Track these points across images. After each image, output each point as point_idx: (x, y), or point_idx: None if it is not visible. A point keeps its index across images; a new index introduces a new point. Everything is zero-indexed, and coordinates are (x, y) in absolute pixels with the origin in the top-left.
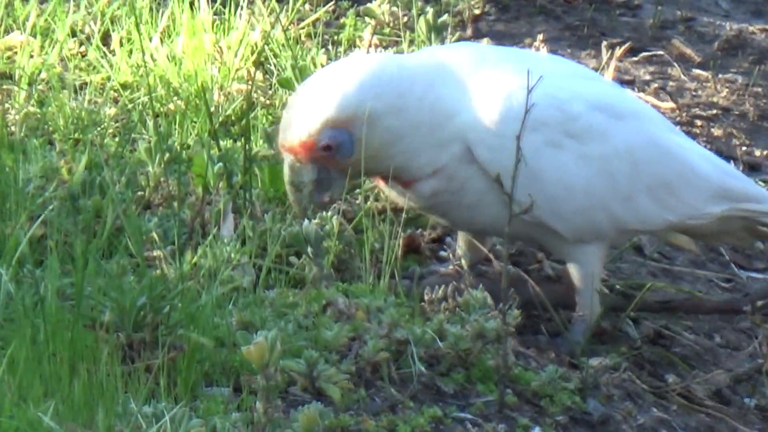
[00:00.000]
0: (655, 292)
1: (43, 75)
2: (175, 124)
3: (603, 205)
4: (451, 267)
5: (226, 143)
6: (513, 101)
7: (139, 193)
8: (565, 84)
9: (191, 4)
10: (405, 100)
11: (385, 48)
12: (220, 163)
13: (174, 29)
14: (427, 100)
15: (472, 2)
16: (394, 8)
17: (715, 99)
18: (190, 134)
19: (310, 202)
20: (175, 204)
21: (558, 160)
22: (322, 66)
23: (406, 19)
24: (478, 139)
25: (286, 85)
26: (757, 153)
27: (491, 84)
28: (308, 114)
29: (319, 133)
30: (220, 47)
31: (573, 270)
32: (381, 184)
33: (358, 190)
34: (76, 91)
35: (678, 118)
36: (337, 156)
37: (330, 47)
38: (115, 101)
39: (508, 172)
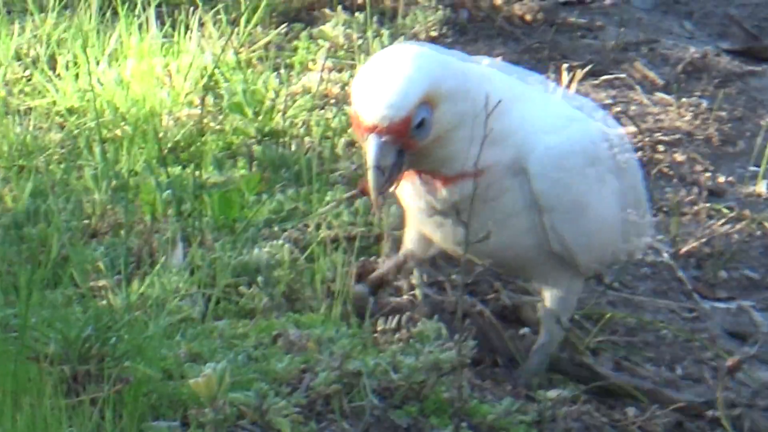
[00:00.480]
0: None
1: None
2: (122, 150)
3: (618, 238)
4: (405, 297)
5: (175, 170)
6: (575, 133)
7: (86, 221)
8: (603, 116)
9: (140, 27)
10: (469, 85)
11: (339, 71)
12: (169, 191)
13: (122, 52)
14: (483, 91)
15: (429, 24)
16: (349, 30)
17: (678, 123)
18: (138, 161)
19: (390, 186)
20: (123, 232)
21: (602, 195)
22: (275, 90)
23: (360, 41)
24: (539, 168)
25: (237, 109)
26: (721, 179)
27: (548, 107)
28: (405, 89)
29: (417, 108)
30: (169, 71)
31: (553, 297)
32: (411, 180)
33: (309, 216)
34: (20, 116)
35: (640, 143)
36: (421, 135)
37: (282, 70)
38: (61, 126)
39: (562, 206)
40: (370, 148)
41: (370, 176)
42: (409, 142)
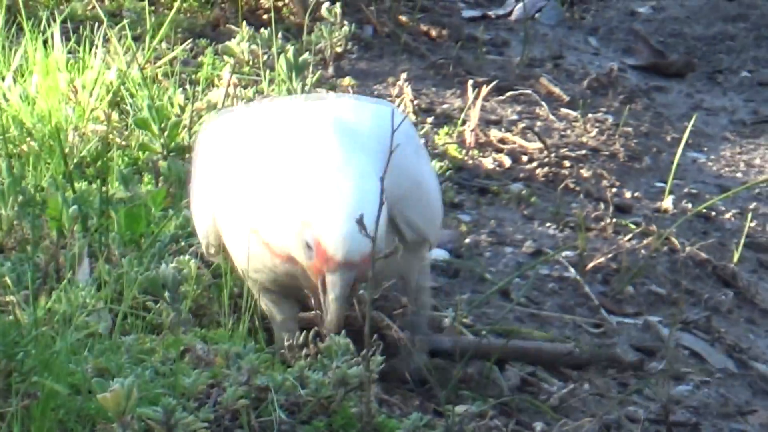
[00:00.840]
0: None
1: None
2: (28, 165)
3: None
4: (312, 312)
5: (81, 185)
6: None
7: None
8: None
9: (45, 43)
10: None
11: (245, 87)
12: (75, 206)
13: (27, 68)
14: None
15: (334, 40)
16: (254, 46)
17: (583, 139)
18: (45, 176)
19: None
20: (29, 248)
21: (423, 165)
22: (180, 106)
23: (265, 57)
24: None
25: (143, 125)
26: (628, 194)
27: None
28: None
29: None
30: (75, 87)
31: (417, 273)
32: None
33: None
34: None
35: (546, 159)
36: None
37: (188, 86)
38: None
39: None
40: (337, 282)
41: (335, 309)
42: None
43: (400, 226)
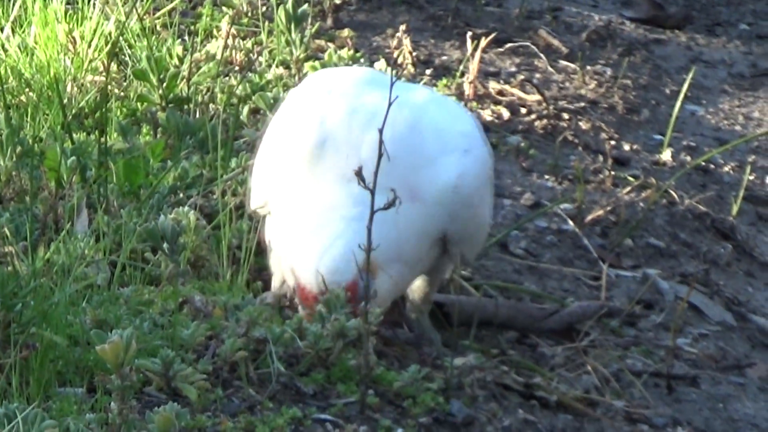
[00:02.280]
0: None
1: None
2: (27, 116)
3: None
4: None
5: (79, 136)
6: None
7: None
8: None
9: None
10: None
11: (243, 39)
12: (74, 157)
13: (26, 19)
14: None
15: None
16: None
17: (582, 91)
18: (43, 127)
19: None
20: (28, 199)
21: (490, 206)
22: (179, 58)
23: (264, 8)
24: None
25: (142, 76)
26: (626, 147)
27: None
28: (347, 254)
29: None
30: (73, 38)
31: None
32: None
33: (214, 183)
34: None
35: (545, 111)
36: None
37: (186, 37)
38: None
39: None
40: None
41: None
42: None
43: (451, 254)
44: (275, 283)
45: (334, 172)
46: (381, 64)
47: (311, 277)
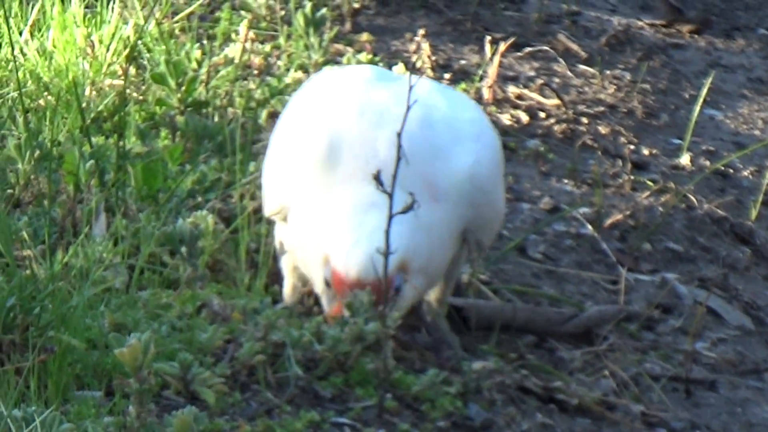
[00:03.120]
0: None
1: None
2: (45, 120)
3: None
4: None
5: (98, 140)
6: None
7: (9, 191)
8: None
9: None
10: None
11: (262, 42)
12: (92, 161)
13: (44, 23)
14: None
15: None
16: (271, 2)
17: (601, 96)
18: (61, 131)
19: None
20: (46, 202)
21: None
22: (197, 61)
23: (283, 12)
24: None
25: (160, 80)
26: (645, 151)
27: None
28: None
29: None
30: (92, 41)
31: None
32: None
33: (233, 187)
34: None
35: (563, 115)
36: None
37: (205, 41)
38: None
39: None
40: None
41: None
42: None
43: (468, 243)
44: (287, 290)
45: (354, 171)
46: (399, 68)
47: (351, 263)
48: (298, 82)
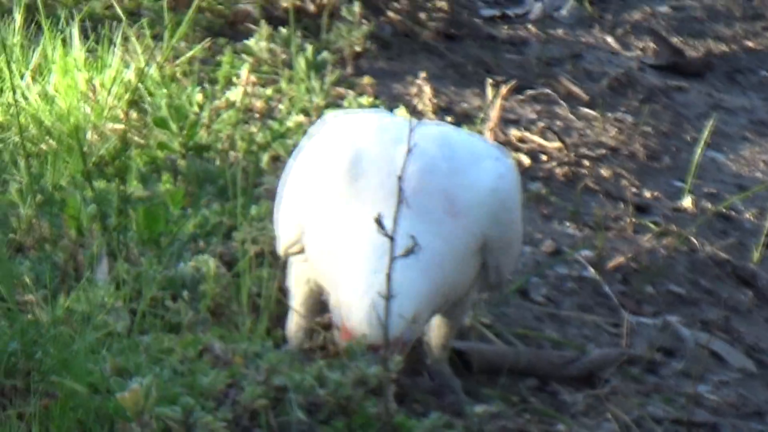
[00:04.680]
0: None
1: None
2: (47, 164)
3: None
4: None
5: (100, 184)
6: None
7: (11, 235)
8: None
9: (64, 41)
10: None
11: (263, 86)
12: (94, 205)
13: (46, 67)
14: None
15: (353, 39)
16: (273, 45)
17: (603, 138)
18: (63, 175)
19: None
20: (48, 247)
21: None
22: (199, 105)
23: (284, 56)
24: None
25: (162, 124)
26: (647, 194)
27: None
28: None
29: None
30: (93, 85)
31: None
32: None
33: (235, 233)
34: None
35: (566, 158)
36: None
37: (207, 85)
38: None
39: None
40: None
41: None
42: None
43: (489, 272)
44: (292, 327)
45: (375, 187)
46: (401, 111)
47: (359, 322)
48: (299, 126)
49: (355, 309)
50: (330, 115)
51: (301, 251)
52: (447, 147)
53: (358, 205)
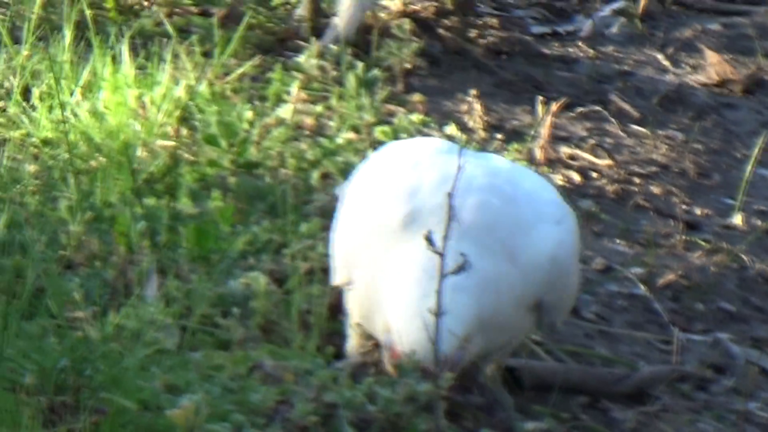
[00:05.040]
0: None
1: None
2: (97, 181)
3: None
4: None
5: (150, 201)
6: None
7: (61, 252)
8: None
9: (113, 59)
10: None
11: (314, 103)
12: (144, 222)
13: (96, 84)
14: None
15: (404, 56)
16: (323, 62)
17: (653, 156)
18: (113, 192)
19: None
20: (98, 263)
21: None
22: (249, 122)
23: (335, 73)
24: None
25: (212, 141)
26: (698, 211)
27: None
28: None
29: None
30: (143, 102)
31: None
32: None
33: (286, 250)
34: None
35: (616, 176)
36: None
37: (257, 102)
38: (36, 158)
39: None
40: None
41: None
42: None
43: (542, 320)
44: (353, 344)
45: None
46: (452, 128)
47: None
48: (350, 143)
49: (406, 331)
50: (387, 147)
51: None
52: (513, 203)
53: (411, 244)
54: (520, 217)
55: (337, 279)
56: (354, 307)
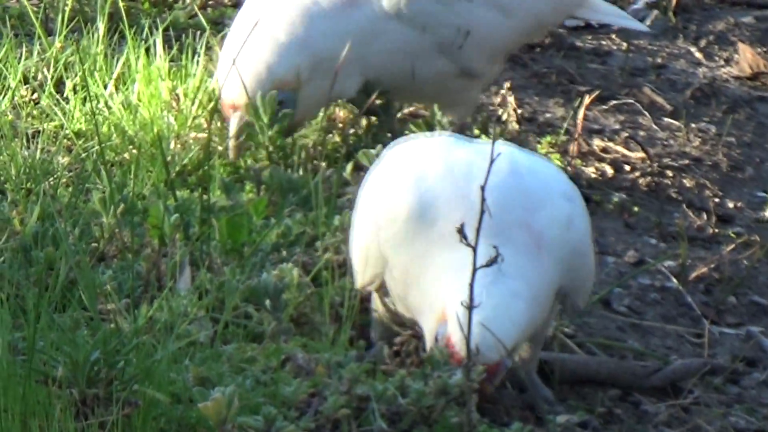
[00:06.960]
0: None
1: None
2: (130, 173)
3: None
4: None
5: (182, 193)
6: None
7: (93, 244)
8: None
9: (147, 51)
10: None
11: None
12: (177, 214)
13: (129, 76)
14: None
15: None
16: None
17: (686, 149)
18: (146, 184)
19: None
20: (130, 256)
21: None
22: None
23: None
24: None
25: None
26: (730, 204)
27: None
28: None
29: None
30: (176, 95)
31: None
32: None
33: (318, 243)
34: (28, 140)
35: (648, 168)
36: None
37: None
38: (69, 150)
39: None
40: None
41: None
42: None
43: (564, 305)
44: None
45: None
46: (483, 120)
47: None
48: (382, 135)
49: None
50: (394, 147)
51: (380, 287)
52: (519, 177)
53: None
54: (530, 191)
55: (359, 281)
56: (393, 297)
